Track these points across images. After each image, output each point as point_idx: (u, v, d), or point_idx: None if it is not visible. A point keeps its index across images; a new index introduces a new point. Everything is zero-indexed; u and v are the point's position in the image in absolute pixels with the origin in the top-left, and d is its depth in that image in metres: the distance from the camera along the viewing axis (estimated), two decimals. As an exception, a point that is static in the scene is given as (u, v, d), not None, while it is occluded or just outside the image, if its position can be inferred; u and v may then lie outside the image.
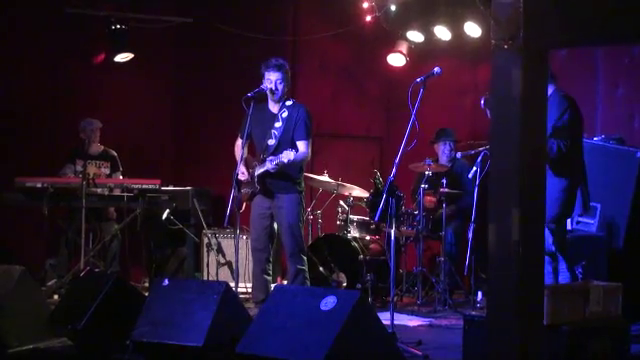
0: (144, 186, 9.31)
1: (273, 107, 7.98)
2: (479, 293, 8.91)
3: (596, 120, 9.90)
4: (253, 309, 7.54)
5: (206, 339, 5.76)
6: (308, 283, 8.09)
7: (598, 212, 8.49)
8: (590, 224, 8.53)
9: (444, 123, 10.27)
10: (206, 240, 9.65)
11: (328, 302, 5.47)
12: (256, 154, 8.03)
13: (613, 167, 8.51)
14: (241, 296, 7.94)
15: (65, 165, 9.91)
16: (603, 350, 5.91)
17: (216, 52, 11.41)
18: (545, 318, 5.50)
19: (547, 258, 6.81)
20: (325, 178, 9.67)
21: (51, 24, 10.54)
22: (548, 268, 6.92)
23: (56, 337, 6.70)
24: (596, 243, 8.31)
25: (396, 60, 11.04)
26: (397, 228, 8.39)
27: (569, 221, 8.36)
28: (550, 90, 6.58)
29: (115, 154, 10.16)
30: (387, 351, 5.71)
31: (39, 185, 9.23)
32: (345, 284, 9.19)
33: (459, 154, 9.74)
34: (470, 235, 8.72)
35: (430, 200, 9.49)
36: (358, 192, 9.70)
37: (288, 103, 7.99)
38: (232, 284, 7.08)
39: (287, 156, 7.51)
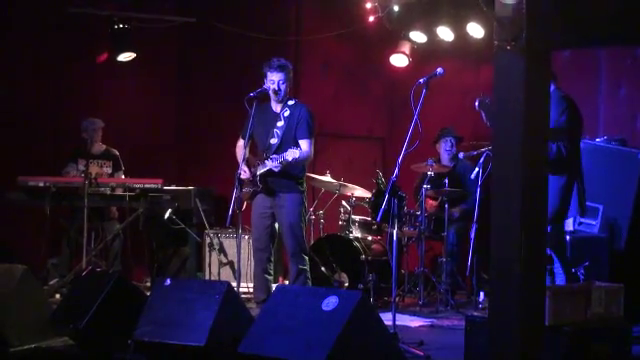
0: (146, 186, 9.31)
1: (275, 107, 7.99)
2: (481, 294, 8.90)
3: (598, 121, 9.90)
4: (255, 309, 7.53)
5: (208, 339, 5.75)
6: (310, 283, 8.09)
7: (600, 213, 8.50)
8: (592, 225, 8.54)
9: (446, 124, 10.27)
10: (208, 240, 9.66)
11: (330, 302, 5.47)
12: (258, 154, 8.03)
13: (615, 168, 8.52)
14: (243, 296, 7.93)
15: (67, 164, 9.92)
16: (604, 351, 5.91)
17: (219, 52, 11.41)
18: (547, 319, 5.51)
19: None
20: (327, 178, 9.67)
21: (54, 24, 10.54)
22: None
23: (58, 336, 6.70)
24: (598, 244, 8.31)
25: (399, 61, 11.04)
26: (399, 228, 8.38)
27: (571, 222, 8.37)
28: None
29: (117, 153, 10.16)
30: (389, 351, 5.70)
31: (41, 184, 9.23)
32: (347, 284, 9.20)
33: (461, 154, 9.74)
34: (472, 235, 8.72)
35: (432, 205, 9.50)
36: (360, 192, 9.70)
37: (290, 103, 7.99)
38: (234, 284, 7.08)
39: (292, 154, 7.51)
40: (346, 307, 5.40)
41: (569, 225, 8.43)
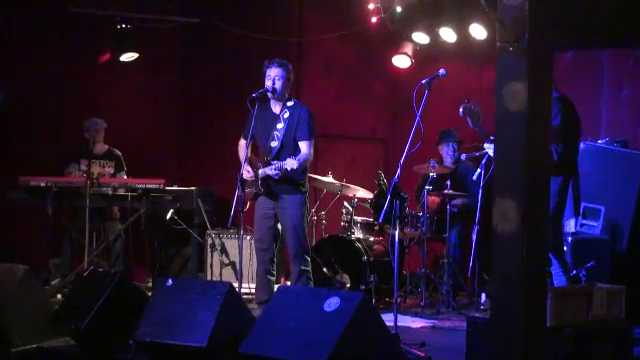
0: (148, 186, 9.31)
1: (275, 107, 7.99)
2: (482, 295, 8.90)
3: (600, 123, 9.90)
4: (256, 309, 7.54)
5: (209, 339, 5.76)
6: (312, 284, 8.10)
7: (602, 215, 8.50)
8: (594, 227, 8.54)
9: (449, 125, 10.25)
10: (210, 240, 9.66)
11: (332, 303, 5.47)
12: (259, 154, 8.04)
13: (617, 170, 8.52)
14: (244, 296, 7.93)
15: (70, 164, 9.92)
16: (606, 353, 5.91)
17: (221, 52, 11.41)
18: (548, 320, 5.50)
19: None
20: (329, 179, 9.67)
21: (56, 24, 10.55)
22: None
23: (59, 336, 6.70)
24: (600, 246, 8.31)
25: (401, 62, 11.03)
26: (401, 229, 8.39)
27: (573, 223, 8.36)
28: None
29: (119, 154, 10.16)
30: (390, 352, 5.70)
31: (43, 184, 9.23)
32: (349, 285, 9.19)
33: (464, 156, 9.72)
34: (474, 237, 8.72)
35: (433, 200, 9.49)
36: (362, 193, 9.70)
37: (289, 104, 7.99)
38: (235, 284, 7.09)
39: (290, 165, 7.51)
40: (348, 308, 5.40)
41: (571, 226, 8.44)
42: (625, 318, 6.26)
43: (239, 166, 7.77)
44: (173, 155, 11.60)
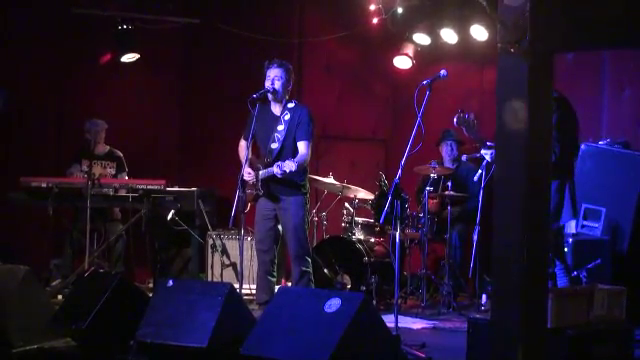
0: (149, 186, 9.31)
1: (276, 109, 7.98)
2: (483, 296, 8.90)
3: (602, 123, 9.89)
4: (257, 310, 7.53)
5: (210, 340, 5.76)
6: (312, 285, 8.09)
7: (603, 216, 8.50)
8: (595, 228, 8.54)
9: (449, 126, 10.24)
10: (211, 241, 9.65)
11: (332, 304, 5.47)
12: (260, 156, 8.04)
13: (618, 171, 8.52)
14: (245, 297, 7.93)
15: (71, 165, 9.93)
16: (607, 354, 5.91)
17: (222, 53, 11.40)
18: (549, 321, 5.50)
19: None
20: (330, 180, 9.66)
21: (57, 24, 10.55)
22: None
23: (60, 337, 6.70)
24: (601, 247, 8.31)
25: (402, 63, 11.04)
26: (402, 230, 8.38)
27: (574, 225, 8.36)
28: None
29: (121, 155, 10.16)
30: (391, 353, 5.71)
31: (44, 185, 9.23)
32: (349, 286, 9.19)
33: (464, 157, 9.73)
34: (475, 238, 8.71)
35: (431, 203, 9.49)
36: (363, 194, 9.70)
37: (290, 105, 7.99)
38: (236, 285, 7.08)
39: (289, 167, 7.49)
40: (348, 309, 5.40)
41: (571, 228, 8.44)
42: (626, 319, 6.27)
43: (240, 167, 7.77)
44: (174, 156, 11.60)
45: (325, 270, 9.25)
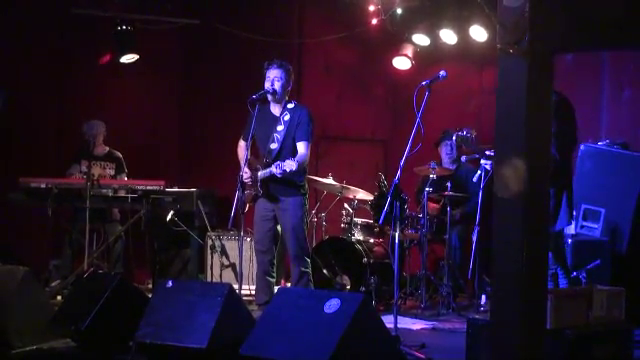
0: (148, 187, 9.30)
1: (275, 109, 7.98)
2: (483, 297, 8.89)
3: (601, 124, 9.89)
4: (256, 311, 7.53)
5: (209, 341, 5.76)
6: (312, 285, 8.09)
7: (602, 217, 8.50)
8: (594, 229, 8.54)
9: (449, 126, 10.26)
10: (210, 242, 9.65)
11: (332, 305, 5.47)
12: (259, 156, 8.04)
13: (617, 172, 8.51)
14: (245, 298, 7.92)
15: (71, 165, 9.92)
16: (606, 355, 5.91)
17: (222, 54, 11.41)
18: (548, 322, 5.50)
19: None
20: (330, 181, 9.66)
21: (57, 25, 10.56)
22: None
23: (59, 338, 6.70)
24: (600, 248, 8.30)
25: (402, 63, 11.05)
26: (401, 231, 8.38)
27: (573, 225, 8.35)
28: None
29: (120, 155, 10.15)
30: (390, 354, 5.71)
31: (43, 186, 9.22)
32: (349, 287, 9.19)
33: (464, 158, 9.72)
34: (474, 238, 8.71)
35: (433, 207, 9.49)
36: (362, 195, 9.69)
37: (290, 106, 7.98)
38: (236, 286, 7.08)
39: (289, 166, 7.49)
40: (348, 310, 5.40)
41: (571, 229, 8.43)
42: (625, 320, 6.27)
43: (239, 167, 7.77)
44: (173, 157, 11.60)
45: (324, 271, 9.25)
